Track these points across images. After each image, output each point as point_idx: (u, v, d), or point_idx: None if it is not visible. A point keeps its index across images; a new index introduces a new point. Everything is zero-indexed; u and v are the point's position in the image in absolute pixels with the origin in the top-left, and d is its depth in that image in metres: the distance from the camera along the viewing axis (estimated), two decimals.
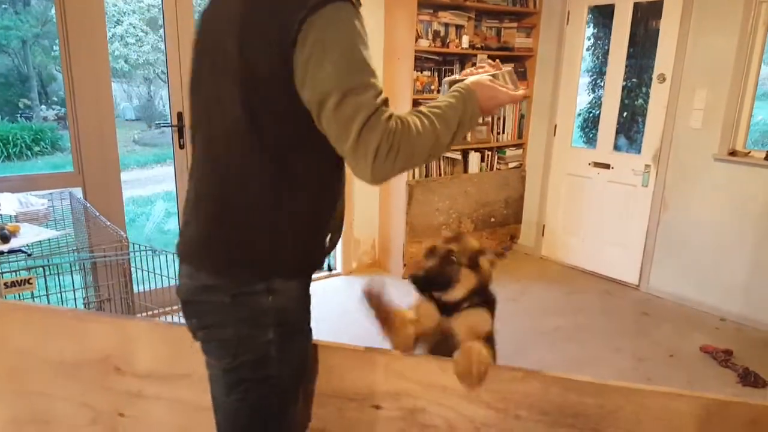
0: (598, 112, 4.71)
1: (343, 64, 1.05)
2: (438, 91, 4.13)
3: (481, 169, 4.63)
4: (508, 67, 1.34)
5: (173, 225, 6.33)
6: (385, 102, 1.10)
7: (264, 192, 1.16)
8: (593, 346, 3.29)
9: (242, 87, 1.10)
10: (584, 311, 3.79)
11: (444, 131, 1.16)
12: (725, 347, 3.22)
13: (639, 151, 4.18)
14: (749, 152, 3.61)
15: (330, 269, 4.34)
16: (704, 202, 3.78)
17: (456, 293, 1.45)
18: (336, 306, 3.68)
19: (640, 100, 4.93)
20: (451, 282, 1.44)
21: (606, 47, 4.59)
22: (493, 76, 1.30)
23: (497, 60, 1.41)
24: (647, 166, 4.08)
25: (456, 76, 1.34)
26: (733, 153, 3.63)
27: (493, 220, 4.80)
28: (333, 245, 1.33)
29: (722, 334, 3.50)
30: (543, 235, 4.87)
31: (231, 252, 1.19)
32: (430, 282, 1.46)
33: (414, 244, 4.26)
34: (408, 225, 4.21)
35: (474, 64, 1.52)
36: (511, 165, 4.84)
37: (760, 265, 3.54)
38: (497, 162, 4.74)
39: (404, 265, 4.27)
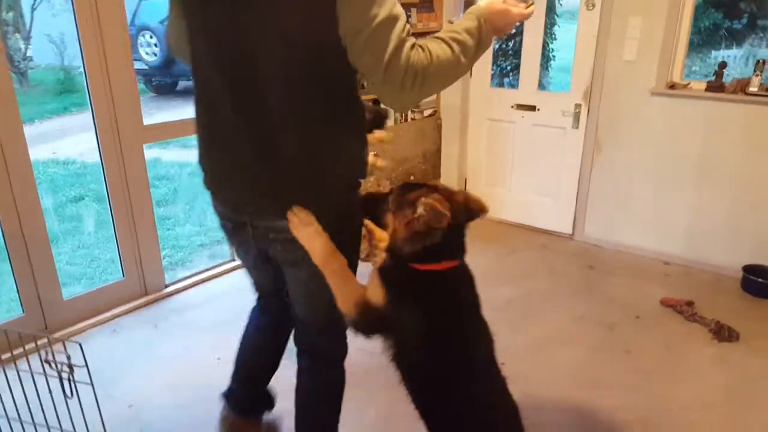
0: (518, 47, 4.22)
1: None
2: None
3: (395, 121, 4.00)
4: None
5: None
6: (408, 32, 1.21)
7: None
8: (554, 319, 2.92)
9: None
10: (530, 275, 3.41)
11: (463, 55, 1.26)
12: (684, 298, 3.02)
13: (568, 89, 3.79)
14: (688, 84, 3.34)
15: (233, 259, 3.54)
16: (641, 142, 3.51)
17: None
18: (235, 310, 2.94)
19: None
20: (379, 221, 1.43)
21: None
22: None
23: None
24: (577, 105, 3.71)
25: None
26: (672, 86, 3.34)
27: (412, 177, 4.24)
28: None
29: (674, 281, 3.31)
30: (465, 188, 4.41)
31: None
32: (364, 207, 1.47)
33: None
34: None
35: None
36: (426, 113, 4.26)
37: (701, 204, 3.37)
38: (411, 111, 4.13)
39: None
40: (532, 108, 3.91)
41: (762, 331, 2.77)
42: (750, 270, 3.18)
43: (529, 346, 2.67)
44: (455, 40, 1.24)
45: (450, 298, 1.35)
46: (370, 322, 1.36)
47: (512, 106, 4.00)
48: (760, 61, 3.10)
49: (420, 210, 1.23)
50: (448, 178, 4.46)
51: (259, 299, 1.81)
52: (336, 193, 1.40)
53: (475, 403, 1.39)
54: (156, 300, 3.08)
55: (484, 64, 4.06)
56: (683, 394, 2.32)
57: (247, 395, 1.87)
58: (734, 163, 3.21)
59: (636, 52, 3.38)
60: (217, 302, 3.07)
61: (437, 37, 1.25)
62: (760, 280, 3.11)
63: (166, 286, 3.19)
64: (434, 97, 4.30)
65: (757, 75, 3.06)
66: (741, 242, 3.27)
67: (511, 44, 5.02)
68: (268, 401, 1.92)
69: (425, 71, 1.19)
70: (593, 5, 3.47)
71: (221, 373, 1.94)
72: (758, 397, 2.32)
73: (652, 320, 2.88)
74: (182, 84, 8.20)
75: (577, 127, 3.75)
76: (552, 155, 3.90)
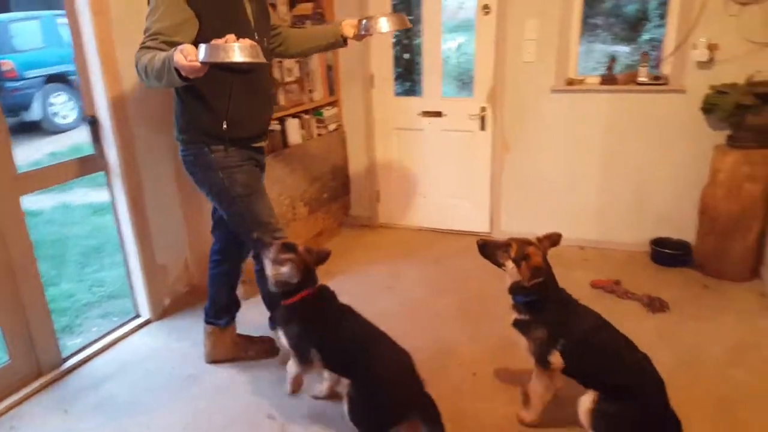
0: (419, 56, 4.19)
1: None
2: None
3: (303, 138, 3.76)
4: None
5: None
6: (149, 36, 1.95)
7: None
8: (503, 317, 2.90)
9: None
10: (462, 278, 3.37)
11: (152, 65, 1.87)
12: (611, 278, 3.19)
13: (471, 94, 3.85)
14: (583, 79, 3.55)
15: (137, 315, 3.05)
16: (546, 137, 3.66)
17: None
18: (156, 377, 2.56)
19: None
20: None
21: None
22: (368, 18, 2.23)
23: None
24: (483, 108, 3.78)
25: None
26: (570, 83, 3.53)
27: (325, 196, 4.02)
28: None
29: (593, 264, 3.49)
30: (378, 200, 4.30)
31: None
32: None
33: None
34: None
35: None
36: (331, 128, 4.08)
37: (607, 188, 3.60)
38: (317, 126, 3.92)
39: (243, 281, 3.24)
40: (438, 114, 3.92)
41: (683, 297, 3.00)
42: (656, 243, 3.46)
43: (489, 347, 2.62)
44: (158, 57, 1.86)
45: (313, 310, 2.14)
46: None
47: (418, 114, 3.97)
48: (645, 52, 3.39)
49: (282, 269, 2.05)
50: (358, 191, 4.31)
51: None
52: None
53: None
54: (56, 379, 2.54)
55: (385, 75, 3.99)
56: None
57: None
58: (633, 147, 3.47)
59: (534, 53, 3.52)
60: (132, 370, 2.60)
61: (152, 48, 1.93)
62: (666, 250, 3.39)
63: (64, 361, 2.65)
64: (336, 110, 4.14)
65: (644, 66, 3.34)
66: (645, 219, 3.54)
67: (407, 54, 4.99)
68: (237, 303, 2.71)
69: (137, 65, 1.95)
70: (488, 10, 3.56)
71: None
72: (702, 358, 2.49)
73: (588, 303, 2.96)
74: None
75: (484, 129, 3.82)
76: (463, 158, 3.94)
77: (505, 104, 3.70)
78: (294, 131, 3.66)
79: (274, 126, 3.49)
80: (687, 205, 3.36)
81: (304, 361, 2.14)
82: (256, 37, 2.13)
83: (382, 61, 3.97)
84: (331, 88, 4.10)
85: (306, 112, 3.81)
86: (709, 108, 3.10)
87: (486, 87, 3.74)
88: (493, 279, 3.38)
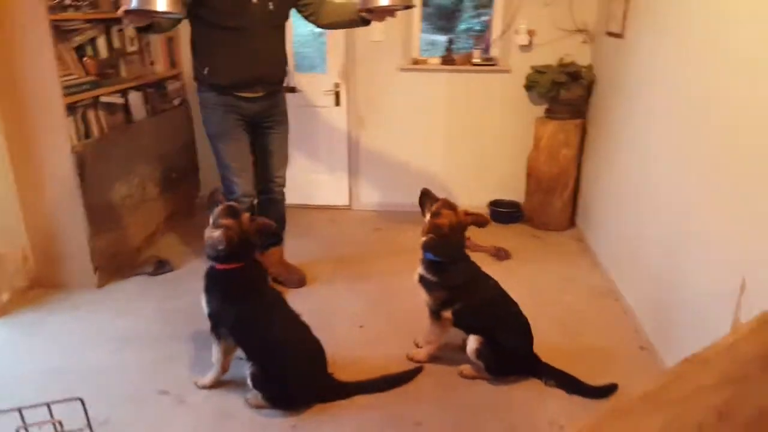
0: None
1: None
2: None
3: (148, 114, 3.49)
4: None
5: None
6: None
7: None
8: (379, 279, 3.09)
9: None
10: (333, 247, 3.49)
11: None
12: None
13: (324, 71, 3.93)
14: (426, 60, 3.87)
15: None
16: (397, 113, 3.92)
17: None
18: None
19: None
20: None
21: None
22: None
23: None
24: (336, 84, 3.90)
25: None
26: (415, 62, 3.82)
27: (174, 175, 3.78)
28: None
29: None
30: None
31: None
32: None
33: (103, 235, 2.95)
34: (88, 210, 2.85)
35: None
36: (175, 102, 3.84)
37: (453, 157, 3.99)
38: (162, 101, 3.66)
39: (96, 269, 2.94)
40: (292, 90, 3.93)
41: (520, 246, 3.48)
42: (494, 204, 3.95)
43: (372, 302, 2.79)
44: None
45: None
46: None
47: None
48: (478, 36, 3.82)
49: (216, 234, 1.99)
50: (209, 172, 4.13)
51: None
52: None
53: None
54: None
55: None
56: None
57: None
58: (471, 121, 3.90)
59: (382, 33, 3.73)
60: None
61: None
62: (502, 209, 3.90)
63: None
64: (180, 84, 3.90)
65: (477, 48, 3.77)
66: (485, 184, 4.01)
67: None
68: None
69: None
70: None
71: None
72: (541, 290, 2.97)
73: None
74: None
75: (339, 105, 3.95)
76: (320, 134, 4.02)
77: (357, 81, 3.87)
78: (138, 106, 3.38)
79: (117, 99, 3.19)
80: (517, 170, 3.90)
81: (216, 335, 2.06)
82: (255, 0, 2.48)
83: None
84: (173, 59, 3.85)
85: (149, 85, 3.53)
86: (530, 85, 3.63)
87: (338, 64, 3.86)
88: (356, 245, 3.59)
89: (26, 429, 0.87)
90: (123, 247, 3.18)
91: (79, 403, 1.00)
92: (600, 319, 2.70)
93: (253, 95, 2.69)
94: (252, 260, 2.12)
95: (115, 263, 3.09)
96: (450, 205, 2.24)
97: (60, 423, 0.88)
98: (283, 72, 2.82)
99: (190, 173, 4.06)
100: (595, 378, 2.16)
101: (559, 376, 2.17)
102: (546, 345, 2.30)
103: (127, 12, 2.00)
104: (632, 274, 2.75)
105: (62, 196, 2.77)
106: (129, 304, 2.82)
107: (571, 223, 3.81)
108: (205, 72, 2.61)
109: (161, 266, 3.17)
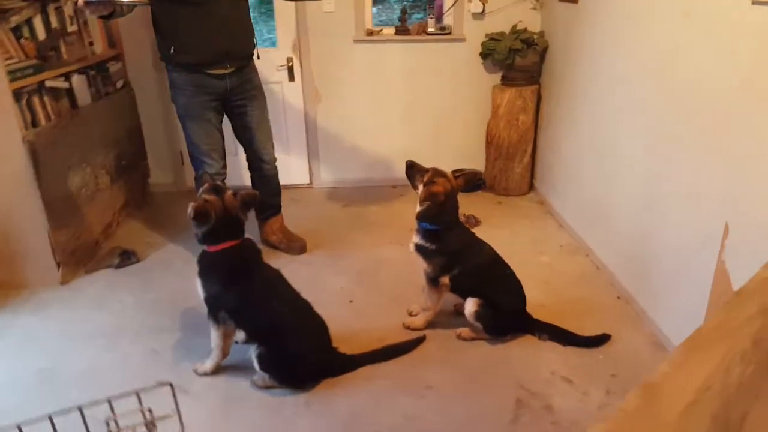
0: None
1: None
2: None
3: (93, 98, 3.25)
4: None
5: None
6: None
7: None
8: (355, 255, 3.10)
9: None
10: (300, 227, 3.43)
11: None
12: None
13: (275, 45, 3.81)
14: (381, 30, 3.84)
15: None
16: (353, 85, 3.88)
17: None
18: None
19: None
20: None
21: None
22: None
23: None
24: (289, 58, 3.80)
25: None
26: (369, 33, 3.78)
27: (124, 162, 3.57)
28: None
29: (409, 197, 3.83)
30: (183, 163, 3.99)
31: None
32: None
33: (63, 230, 2.76)
34: (46, 203, 2.64)
35: None
36: (118, 84, 3.60)
37: (411, 129, 4.01)
38: (105, 84, 3.42)
39: (58, 265, 2.75)
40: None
41: (486, 213, 3.58)
42: (456, 173, 3.99)
43: (355, 277, 2.80)
44: None
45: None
46: None
47: None
48: (431, 5, 3.83)
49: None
50: (158, 155, 3.94)
51: None
52: None
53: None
54: None
55: None
56: None
57: None
58: (428, 91, 3.92)
59: (334, 3, 3.65)
60: None
61: None
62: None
63: None
64: (121, 65, 3.66)
65: (431, 17, 3.78)
66: (444, 154, 4.05)
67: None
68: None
69: None
70: None
71: None
72: (516, 252, 3.02)
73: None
74: None
75: (293, 80, 3.85)
76: (275, 111, 3.87)
77: (311, 54, 3.78)
78: (83, 90, 3.15)
79: (61, 84, 2.95)
80: (477, 138, 3.98)
81: (215, 320, 2.00)
82: None
83: None
84: (111, 39, 3.59)
85: (91, 67, 3.29)
86: (487, 53, 3.69)
87: (290, 37, 3.75)
88: (326, 222, 3.56)
89: (116, 421, 0.83)
90: (82, 241, 2.98)
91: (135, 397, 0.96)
92: (575, 274, 2.86)
93: (223, 71, 2.65)
94: (244, 238, 2.06)
95: (76, 258, 2.90)
96: (441, 173, 2.27)
97: (150, 410, 0.85)
98: (251, 44, 2.75)
99: (140, 159, 3.84)
100: (582, 329, 2.30)
101: (553, 331, 2.29)
102: (533, 303, 2.41)
103: (88, 3, 2.03)
104: (601, 232, 2.92)
105: (17, 190, 2.56)
106: (101, 299, 2.67)
107: (531, 187, 3.96)
108: (171, 51, 2.57)
109: (127, 258, 3.01)
